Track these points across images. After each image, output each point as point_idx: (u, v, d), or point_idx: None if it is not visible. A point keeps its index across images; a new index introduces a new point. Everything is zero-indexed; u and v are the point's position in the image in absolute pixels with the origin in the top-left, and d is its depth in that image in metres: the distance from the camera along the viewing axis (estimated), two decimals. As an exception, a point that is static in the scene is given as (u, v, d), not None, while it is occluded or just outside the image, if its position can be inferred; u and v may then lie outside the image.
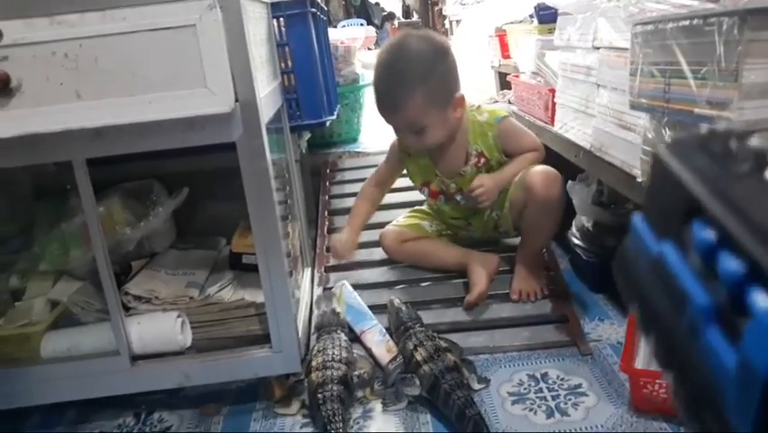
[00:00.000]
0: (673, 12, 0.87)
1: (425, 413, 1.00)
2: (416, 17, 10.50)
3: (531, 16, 1.96)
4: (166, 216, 1.27)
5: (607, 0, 1.20)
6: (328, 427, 0.93)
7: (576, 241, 1.42)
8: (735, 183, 0.20)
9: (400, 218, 1.52)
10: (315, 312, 1.24)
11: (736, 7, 0.73)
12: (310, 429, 0.99)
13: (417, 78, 1.21)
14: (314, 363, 1.02)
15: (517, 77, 1.90)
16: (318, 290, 1.37)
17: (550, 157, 1.38)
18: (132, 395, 1.06)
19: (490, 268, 1.32)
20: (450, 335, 1.15)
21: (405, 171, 1.48)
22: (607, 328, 1.20)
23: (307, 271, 1.41)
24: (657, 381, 0.91)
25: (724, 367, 0.18)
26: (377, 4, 9.68)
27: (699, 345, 0.19)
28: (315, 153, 2.05)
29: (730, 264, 0.18)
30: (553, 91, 1.51)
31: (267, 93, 1.02)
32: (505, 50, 2.37)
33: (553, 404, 0.99)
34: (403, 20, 10.45)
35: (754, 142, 0.22)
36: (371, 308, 1.26)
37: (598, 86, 1.21)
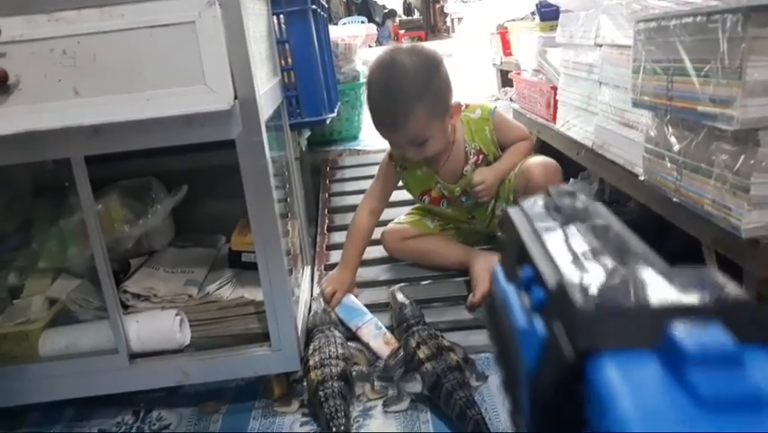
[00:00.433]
0: (676, 9, 0.86)
1: (425, 412, 0.99)
2: (417, 14, 10.51)
3: (533, 13, 1.95)
4: (165, 213, 1.26)
5: (609, -3, 1.20)
6: (331, 423, 0.92)
7: (577, 239, 1.41)
8: (548, 234, 0.26)
9: (402, 216, 1.51)
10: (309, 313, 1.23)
11: (739, 4, 0.72)
12: (310, 428, 0.98)
13: (416, 93, 1.20)
14: (311, 362, 1.02)
15: (519, 74, 1.90)
16: (318, 289, 1.36)
17: (551, 155, 1.38)
18: (130, 393, 1.06)
19: (493, 267, 1.31)
20: (451, 333, 1.15)
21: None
22: (607, 327, 1.20)
23: (307, 270, 1.41)
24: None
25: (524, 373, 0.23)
26: (378, 2, 9.67)
27: (518, 360, 0.23)
28: (316, 151, 2.04)
29: (539, 294, 0.23)
30: (554, 89, 1.51)
31: (266, 90, 1.01)
32: (506, 48, 2.37)
33: (553, 403, 0.99)
34: (404, 17, 10.46)
35: (579, 200, 0.29)
36: (370, 306, 1.25)
37: (601, 83, 1.21)
